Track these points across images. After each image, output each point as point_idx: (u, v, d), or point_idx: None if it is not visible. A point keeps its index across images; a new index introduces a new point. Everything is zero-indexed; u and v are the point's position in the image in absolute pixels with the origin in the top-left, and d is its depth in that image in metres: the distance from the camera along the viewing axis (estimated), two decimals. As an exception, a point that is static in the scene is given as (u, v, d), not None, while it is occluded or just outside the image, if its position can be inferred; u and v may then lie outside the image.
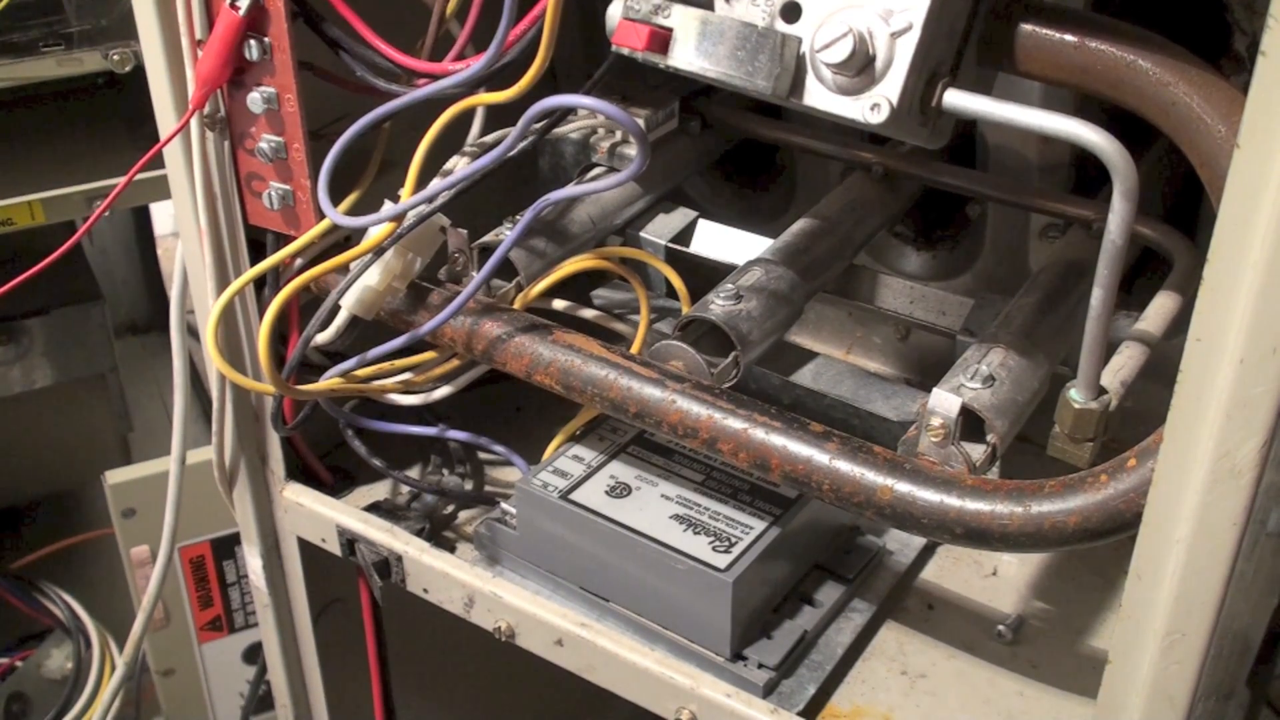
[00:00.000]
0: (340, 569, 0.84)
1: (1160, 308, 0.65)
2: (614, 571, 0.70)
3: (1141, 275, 0.81)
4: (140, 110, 0.78)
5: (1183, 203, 0.80)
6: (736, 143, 0.91)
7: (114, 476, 1.29)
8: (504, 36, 0.62)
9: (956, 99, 0.57)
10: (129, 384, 1.58)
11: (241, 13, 0.66)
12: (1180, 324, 0.52)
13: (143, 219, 1.84)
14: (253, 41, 0.67)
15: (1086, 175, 0.81)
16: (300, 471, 0.84)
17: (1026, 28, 0.57)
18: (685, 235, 0.84)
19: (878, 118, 0.55)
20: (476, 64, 0.65)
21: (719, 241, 0.83)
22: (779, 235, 0.77)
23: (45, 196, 1.20)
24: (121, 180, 0.71)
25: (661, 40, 0.59)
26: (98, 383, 1.52)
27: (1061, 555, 0.77)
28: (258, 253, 0.74)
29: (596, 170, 0.81)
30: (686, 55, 0.59)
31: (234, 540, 1.32)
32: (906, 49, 0.55)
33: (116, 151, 1.28)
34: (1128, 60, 0.55)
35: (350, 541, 0.79)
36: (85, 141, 1.32)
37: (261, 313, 0.71)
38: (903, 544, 0.76)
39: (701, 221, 0.84)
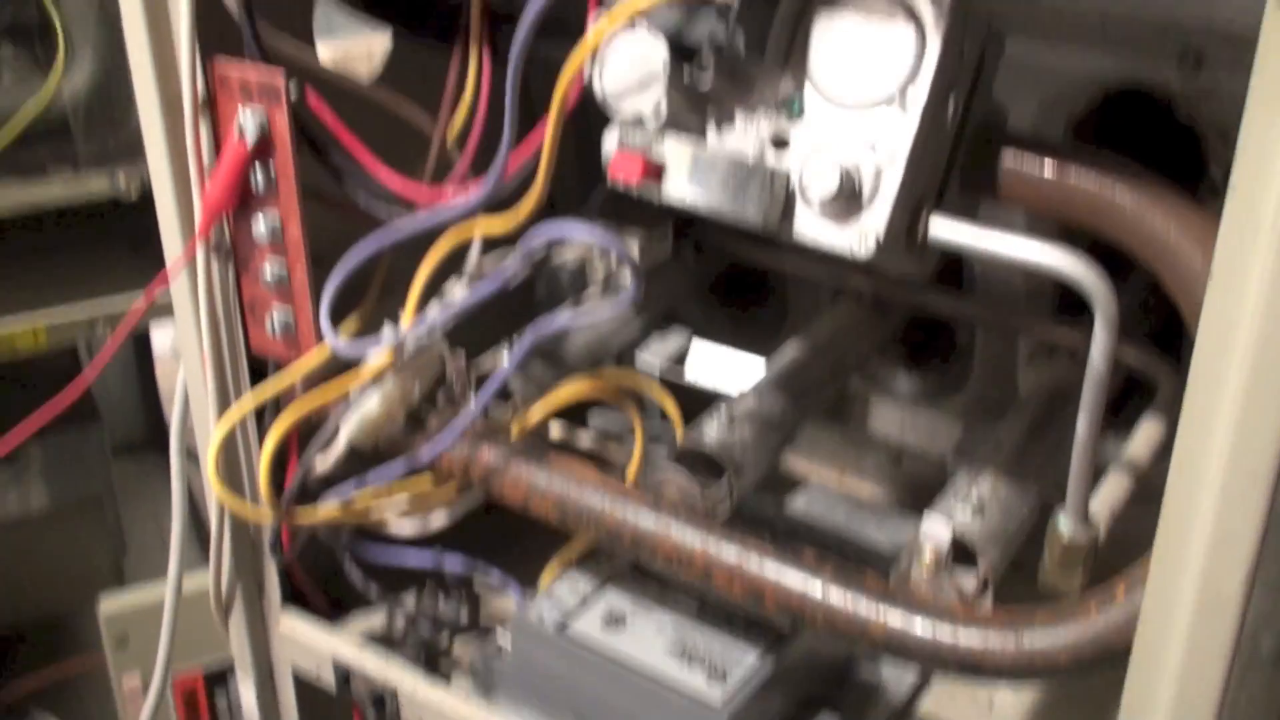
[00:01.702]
0: (336, 700, 0.83)
1: (1147, 434, 0.66)
2: (610, 705, 0.69)
3: (1131, 398, 0.82)
4: (144, 231, 0.79)
5: (1171, 322, 0.81)
6: (729, 266, 0.93)
7: (108, 606, 1.27)
8: (503, 167, 0.64)
9: (941, 229, 0.58)
10: (123, 505, 1.57)
11: (249, 144, 0.67)
12: (1167, 449, 0.53)
13: (141, 337, 1.84)
14: (259, 170, 0.68)
15: (1073, 296, 0.82)
16: (296, 598, 0.83)
17: (1008, 158, 0.59)
18: (680, 358, 0.85)
19: (864, 249, 0.57)
20: (477, 192, 0.66)
21: (713, 364, 0.84)
22: (772, 357, 0.78)
23: (48, 322, 1.21)
24: (127, 310, 0.72)
25: (655, 172, 0.61)
26: (93, 505, 1.52)
27: (1058, 682, 0.76)
28: (258, 374, 0.75)
29: (592, 294, 0.82)
30: (679, 187, 0.60)
31: (227, 669, 1.30)
32: (892, 180, 0.56)
33: (119, 273, 1.29)
34: (1105, 190, 0.57)
35: (345, 676, 0.79)
36: (88, 262, 1.32)
37: (261, 437, 0.72)
38: (899, 674, 0.76)
39: (696, 343, 0.86)
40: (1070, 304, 0.83)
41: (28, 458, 1.43)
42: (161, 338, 1.85)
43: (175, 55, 0.68)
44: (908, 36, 0.55)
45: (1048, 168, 0.58)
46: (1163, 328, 0.82)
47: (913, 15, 0.55)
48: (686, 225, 0.88)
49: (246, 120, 0.66)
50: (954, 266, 0.85)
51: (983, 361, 0.86)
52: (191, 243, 0.71)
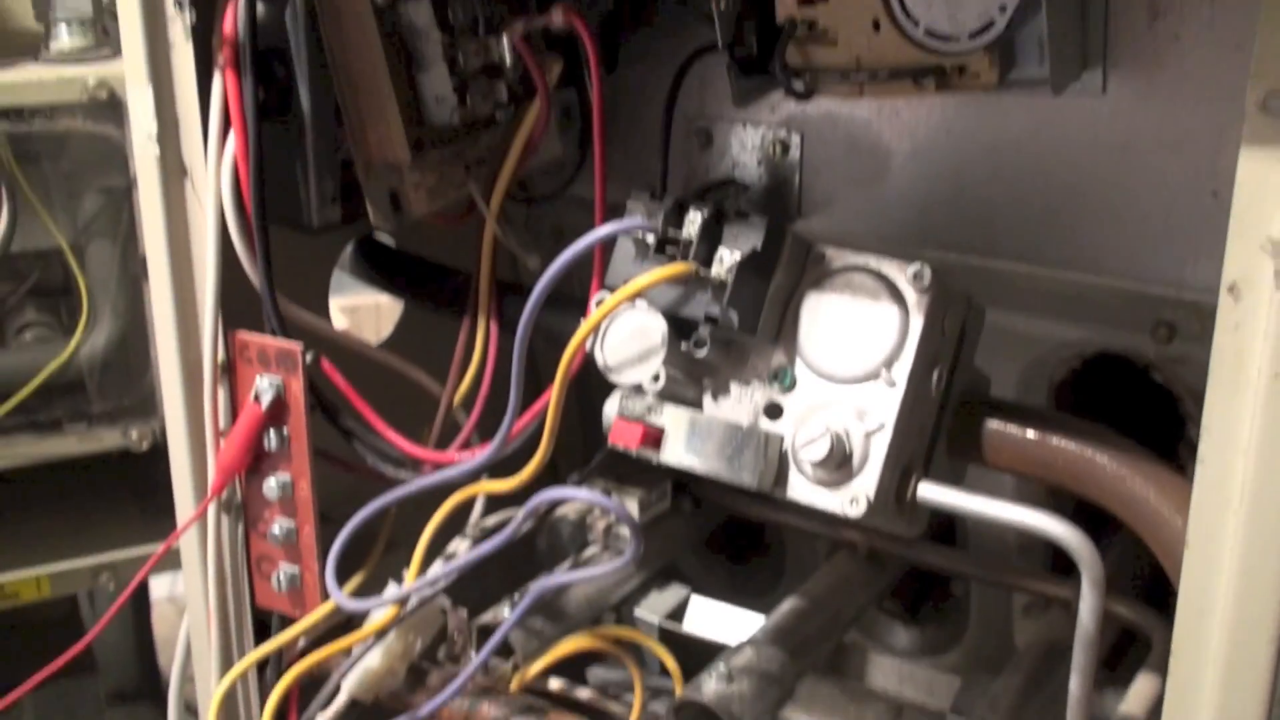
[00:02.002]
0: None
1: (1141, 690, 0.66)
2: None
3: (1127, 651, 0.82)
4: (151, 482, 0.80)
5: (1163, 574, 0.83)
6: (726, 520, 0.94)
7: None
8: (507, 431, 0.67)
9: (929, 492, 0.60)
10: (112, 757, 1.53)
11: (264, 408, 0.70)
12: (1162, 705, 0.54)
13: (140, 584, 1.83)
14: (272, 432, 0.71)
15: (1064, 551, 0.84)
16: None
17: (991, 425, 0.62)
18: (678, 612, 0.86)
19: (856, 511, 0.59)
20: (481, 455, 0.69)
21: (711, 618, 0.85)
22: (770, 610, 0.79)
23: (52, 571, 1.21)
24: (130, 559, 0.73)
25: (654, 438, 0.63)
26: (83, 760, 1.48)
27: None
28: (262, 625, 0.76)
29: (592, 551, 0.84)
30: (677, 452, 0.63)
31: None
32: (880, 447, 0.59)
33: (124, 524, 1.28)
34: (1086, 456, 0.59)
35: None
36: (93, 512, 1.32)
37: (262, 688, 0.72)
38: None
39: (694, 598, 0.86)
40: (1063, 555, 0.84)
41: (20, 709, 1.41)
42: (159, 585, 1.84)
43: (198, 325, 0.71)
44: (892, 315, 0.58)
45: (1029, 435, 0.61)
46: (1156, 576, 0.84)
47: (896, 295, 0.59)
48: (685, 481, 0.90)
49: (264, 387, 0.69)
50: (947, 521, 0.86)
51: (978, 614, 0.87)
52: (204, 502, 0.73)
